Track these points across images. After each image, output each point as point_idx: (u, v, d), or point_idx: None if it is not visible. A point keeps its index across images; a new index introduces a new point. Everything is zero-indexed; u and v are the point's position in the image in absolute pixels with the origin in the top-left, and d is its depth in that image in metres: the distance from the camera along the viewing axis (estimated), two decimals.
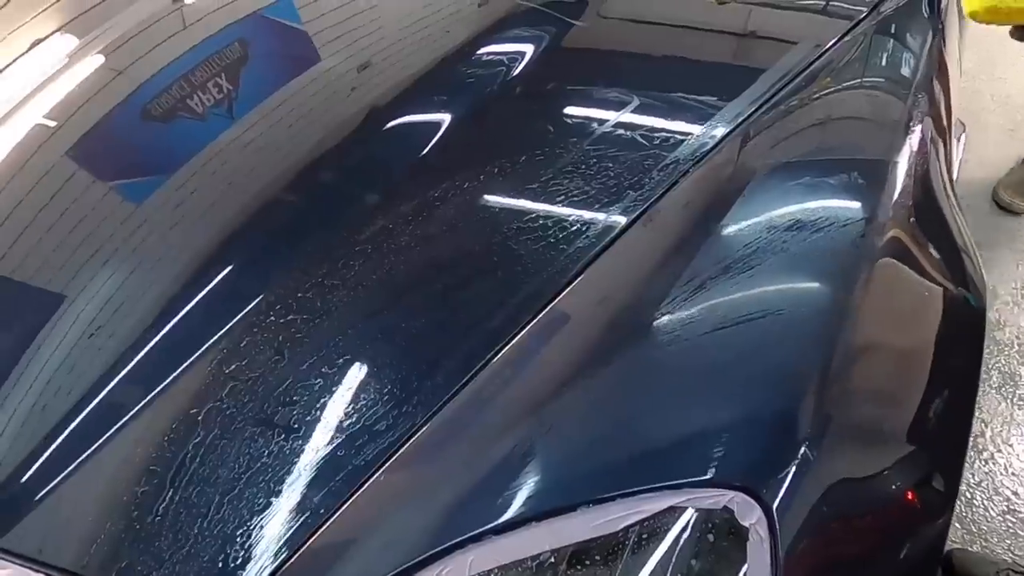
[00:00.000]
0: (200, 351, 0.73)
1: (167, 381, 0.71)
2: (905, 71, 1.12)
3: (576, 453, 0.62)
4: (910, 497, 0.75)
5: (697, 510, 0.58)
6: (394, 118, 1.04)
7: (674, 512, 0.58)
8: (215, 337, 0.73)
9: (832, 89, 1.03)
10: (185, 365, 0.72)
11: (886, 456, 0.72)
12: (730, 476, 0.59)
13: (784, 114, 0.96)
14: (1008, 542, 1.48)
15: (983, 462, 1.65)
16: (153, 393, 0.70)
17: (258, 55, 1.28)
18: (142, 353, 0.74)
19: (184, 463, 0.65)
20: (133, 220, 0.96)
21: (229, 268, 0.82)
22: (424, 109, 1.06)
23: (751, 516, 0.58)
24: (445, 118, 1.01)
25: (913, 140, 0.95)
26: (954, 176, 1.14)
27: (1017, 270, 2.11)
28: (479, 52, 1.15)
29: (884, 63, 1.12)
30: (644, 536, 0.58)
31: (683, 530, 0.58)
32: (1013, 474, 1.61)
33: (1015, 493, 1.57)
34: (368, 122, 1.05)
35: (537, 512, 0.58)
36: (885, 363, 0.74)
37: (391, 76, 1.16)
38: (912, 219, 0.86)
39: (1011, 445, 1.67)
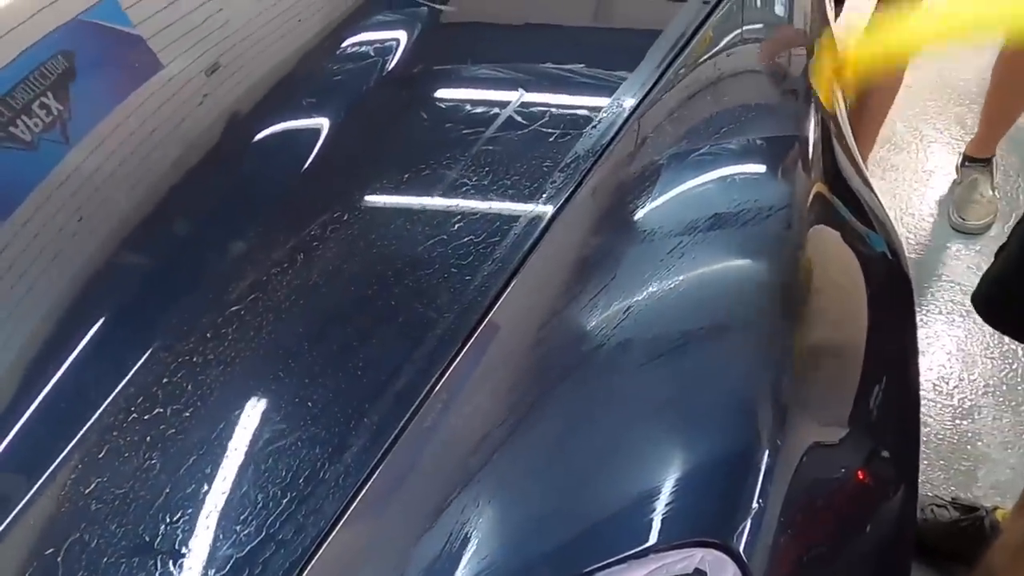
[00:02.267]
0: (49, 469, 0.59)
1: (8, 517, 0.57)
2: (780, 11, 1.09)
3: (517, 537, 0.53)
4: (870, 478, 0.71)
5: None
6: (258, 132, 0.91)
7: None
8: (67, 448, 0.60)
9: (722, 47, 0.98)
10: (32, 491, 0.58)
11: (841, 444, 0.68)
12: (697, 531, 0.53)
13: (683, 83, 0.90)
14: (925, 475, 1.53)
15: None
16: None
17: (87, 67, 1.11)
18: None
19: None
20: None
21: (77, 351, 0.69)
22: (291, 117, 0.93)
23: (725, 574, 0.52)
24: (317, 131, 0.89)
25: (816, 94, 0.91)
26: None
27: None
28: (343, 47, 1.03)
29: (760, 6, 1.08)
30: None
31: None
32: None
33: (923, 423, 1.62)
34: (228, 140, 0.92)
35: None
36: (829, 352, 0.70)
37: (246, 78, 1.02)
38: (828, 183, 0.82)
39: None
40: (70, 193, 0.88)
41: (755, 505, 0.55)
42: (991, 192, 2.07)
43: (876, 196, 0.97)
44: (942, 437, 1.59)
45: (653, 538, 0.52)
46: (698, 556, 0.52)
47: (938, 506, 1.35)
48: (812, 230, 0.75)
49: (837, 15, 1.70)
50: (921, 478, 1.53)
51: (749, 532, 0.55)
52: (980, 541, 1.26)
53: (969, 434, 1.59)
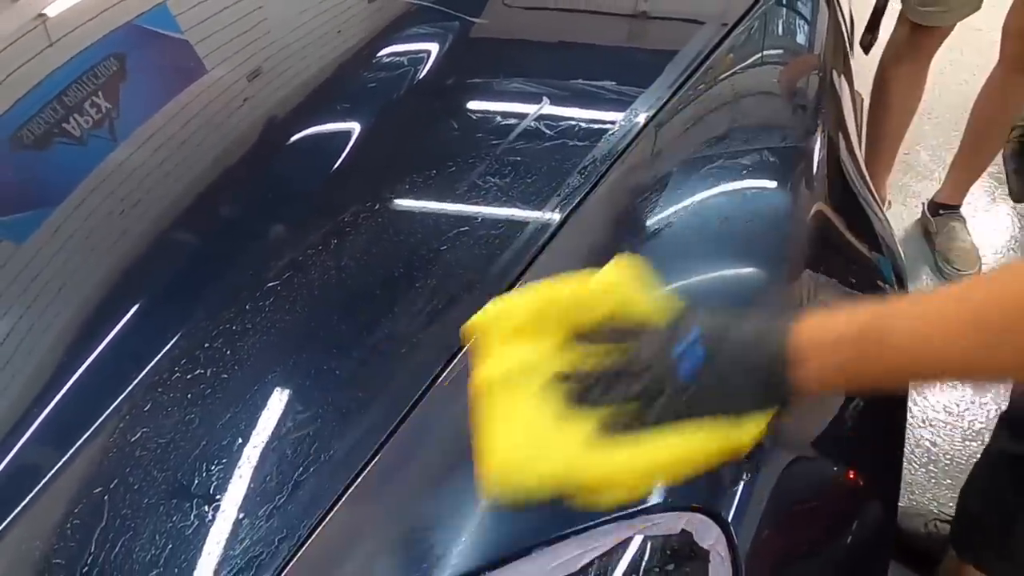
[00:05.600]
0: (100, 419, 0.66)
1: (63, 459, 0.63)
2: (801, 40, 1.13)
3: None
4: (854, 475, 0.75)
5: (655, 537, 0.56)
6: (295, 133, 0.98)
7: (632, 542, 0.56)
8: (116, 402, 0.67)
9: (738, 68, 1.02)
10: (84, 437, 0.65)
11: (827, 438, 0.71)
12: (684, 497, 0.57)
13: (696, 100, 0.95)
14: (932, 492, 1.55)
15: None
16: (47, 475, 0.63)
17: (137, 69, 1.19)
18: (32, 427, 0.66)
19: (93, 554, 0.58)
20: (15, 262, 0.88)
21: (127, 318, 0.75)
22: (326, 120, 1.00)
23: (710, 536, 0.56)
24: (350, 132, 0.95)
25: (825, 116, 0.95)
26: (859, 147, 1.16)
27: None
28: (378, 56, 1.09)
29: (781, 33, 1.13)
30: (603, 572, 0.55)
31: (643, 560, 0.56)
32: (930, 424, 1.68)
33: (933, 443, 1.64)
34: (266, 139, 0.99)
35: (489, 562, 0.55)
36: None
37: (285, 84, 1.09)
38: (832, 203, 0.87)
39: (924, 396, 1.74)
40: (116, 184, 0.95)
41: (743, 476, 0.60)
42: (970, 237, 2.08)
43: (887, 221, 1.01)
44: (951, 457, 1.61)
45: (642, 502, 0.56)
46: (684, 518, 0.56)
47: (942, 521, 1.37)
48: (811, 245, 0.79)
49: (872, 42, 1.74)
50: (928, 495, 1.55)
51: (737, 505, 0.59)
52: None
53: (977, 455, 1.60)
